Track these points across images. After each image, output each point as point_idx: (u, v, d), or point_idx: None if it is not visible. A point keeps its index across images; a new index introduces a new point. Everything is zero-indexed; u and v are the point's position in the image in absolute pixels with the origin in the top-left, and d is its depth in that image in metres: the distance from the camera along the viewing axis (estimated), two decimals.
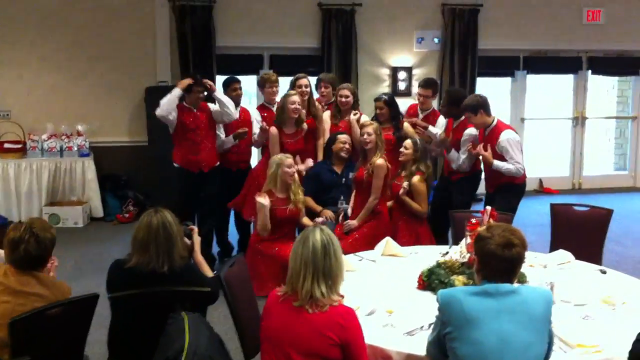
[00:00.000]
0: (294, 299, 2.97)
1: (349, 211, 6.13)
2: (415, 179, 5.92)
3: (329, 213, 6.20)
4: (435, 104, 7.51)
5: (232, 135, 6.71)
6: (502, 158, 5.88)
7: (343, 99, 6.65)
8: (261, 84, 7.01)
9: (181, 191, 6.61)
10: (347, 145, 6.37)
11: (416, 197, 5.96)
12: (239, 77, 7.26)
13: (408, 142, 6.03)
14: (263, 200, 5.67)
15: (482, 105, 5.98)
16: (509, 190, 5.90)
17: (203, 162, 6.55)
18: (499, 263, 2.80)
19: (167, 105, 6.36)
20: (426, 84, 6.98)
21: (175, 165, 6.61)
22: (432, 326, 2.99)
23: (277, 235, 5.86)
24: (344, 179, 6.35)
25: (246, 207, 6.59)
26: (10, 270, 3.36)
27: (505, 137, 5.85)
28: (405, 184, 5.92)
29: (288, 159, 5.81)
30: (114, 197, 8.96)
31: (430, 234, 6.17)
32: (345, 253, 5.31)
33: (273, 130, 6.43)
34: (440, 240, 6.17)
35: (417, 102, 7.14)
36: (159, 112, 6.40)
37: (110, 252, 7.17)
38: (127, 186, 9.09)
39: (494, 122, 5.99)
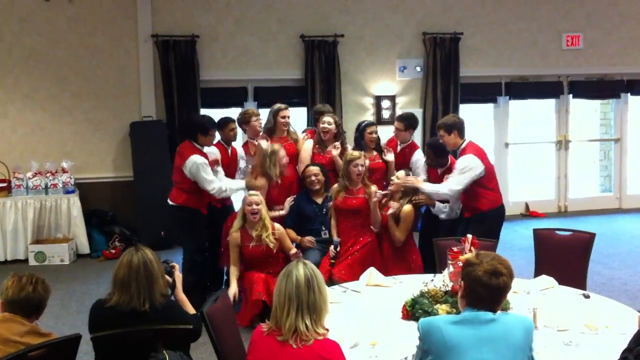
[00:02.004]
0: (278, 333, 2.97)
1: (339, 246, 6.08)
2: (407, 207, 5.98)
3: (306, 240, 6.21)
4: (418, 138, 7.54)
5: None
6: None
7: (326, 126, 6.70)
8: (246, 120, 6.93)
9: (204, 231, 6.55)
10: (317, 178, 6.37)
11: (401, 224, 6.00)
12: (224, 109, 7.31)
13: (400, 173, 6.11)
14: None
15: (457, 127, 6.05)
16: (481, 221, 5.87)
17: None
18: (484, 290, 2.81)
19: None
20: (399, 117, 7.16)
21: (190, 208, 6.39)
22: (413, 356, 2.99)
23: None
24: (324, 210, 6.36)
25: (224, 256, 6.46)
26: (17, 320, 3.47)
27: (458, 162, 5.98)
28: (395, 204, 5.97)
29: (252, 197, 5.83)
30: (100, 233, 8.93)
31: (420, 259, 6.22)
32: (338, 280, 5.40)
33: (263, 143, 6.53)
34: (430, 267, 6.16)
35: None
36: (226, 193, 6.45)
37: (97, 289, 7.14)
38: (113, 222, 9.06)
39: (463, 145, 6.06)
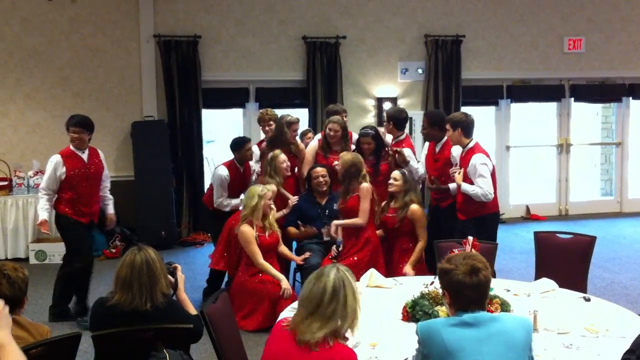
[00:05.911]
0: (297, 332, 2.89)
1: (341, 246, 6.04)
2: (415, 207, 5.94)
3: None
4: (419, 139, 7.41)
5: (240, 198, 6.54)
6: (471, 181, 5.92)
7: (332, 133, 6.67)
8: (266, 119, 6.94)
9: None
10: (324, 179, 6.35)
11: (418, 225, 5.98)
12: (225, 110, 7.23)
13: (397, 174, 6.04)
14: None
15: (463, 124, 5.98)
16: (478, 224, 5.80)
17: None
18: (470, 291, 2.81)
19: None
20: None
21: None
22: (413, 357, 2.99)
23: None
24: (327, 211, 6.34)
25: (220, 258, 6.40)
26: None
27: (475, 160, 5.86)
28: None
29: (269, 192, 5.86)
30: (101, 233, 8.90)
31: (422, 261, 6.18)
32: None
33: (282, 156, 6.43)
34: (433, 270, 6.13)
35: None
36: None
37: (97, 287, 7.13)
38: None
39: (471, 144, 6.01)
